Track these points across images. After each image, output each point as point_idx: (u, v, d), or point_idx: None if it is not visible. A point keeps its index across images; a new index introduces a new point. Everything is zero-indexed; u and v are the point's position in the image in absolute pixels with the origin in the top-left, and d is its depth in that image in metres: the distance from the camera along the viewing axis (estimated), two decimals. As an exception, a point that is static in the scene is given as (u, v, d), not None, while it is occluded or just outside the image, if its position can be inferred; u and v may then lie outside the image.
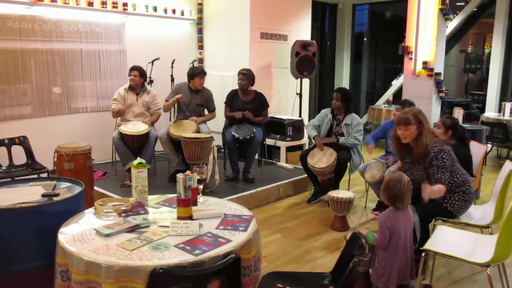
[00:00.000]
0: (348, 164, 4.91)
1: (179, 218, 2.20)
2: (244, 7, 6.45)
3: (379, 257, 2.58)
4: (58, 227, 2.11)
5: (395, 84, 9.56)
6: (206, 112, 5.48)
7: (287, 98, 7.13)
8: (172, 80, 6.23)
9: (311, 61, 6.56)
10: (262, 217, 4.53)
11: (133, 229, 2.11)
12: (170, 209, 2.41)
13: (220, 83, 6.64)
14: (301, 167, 5.11)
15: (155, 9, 6.42)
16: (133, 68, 5.25)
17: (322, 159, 4.77)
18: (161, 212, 2.37)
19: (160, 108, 5.40)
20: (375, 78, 10.97)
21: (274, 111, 6.76)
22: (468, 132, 5.10)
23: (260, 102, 5.39)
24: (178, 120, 5.29)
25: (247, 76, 5.27)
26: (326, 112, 5.04)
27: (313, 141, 5.07)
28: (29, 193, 2.57)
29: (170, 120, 5.83)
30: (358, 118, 4.94)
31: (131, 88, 5.27)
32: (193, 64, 6.37)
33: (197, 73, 5.27)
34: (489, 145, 7.11)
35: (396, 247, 2.54)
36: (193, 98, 5.33)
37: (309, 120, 6.93)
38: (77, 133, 5.72)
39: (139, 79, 5.26)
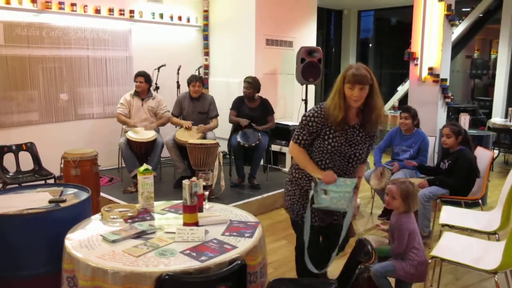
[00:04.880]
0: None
1: (185, 224, 2.21)
2: (250, 13, 6.48)
3: (412, 255, 2.63)
4: (65, 233, 2.12)
5: (401, 90, 9.54)
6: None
7: (292, 104, 7.13)
8: (178, 86, 6.25)
9: (316, 67, 6.56)
10: (268, 223, 4.53)
11: (139, 235, 2.11)
12: (176, 215, 2.41)
13: (226, 90, 6.66)
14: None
15: (161, 16, 6.46)
16: (138, 74, 5.28)
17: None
18: (167, 218, 2.38)
19: (168, 111, 5.43)
20: (381, 84, 10.93)
21: (279, 117, 6.76)
22: (475, 138, 5.09)
23: (265, 109, 5.40)
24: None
25: (252, 85, 5.28)
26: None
27: None
28: (36, 199, 2.59)
29: (176, 127, 5.85)
30: None
31: (136, 94, 5.31)
32: (198, 71, 6.41)
33: (190, 80, 5.31)
34: (496, 151, 7.07)
35: (422, 245, 2.67)
36: (194, 107, 5.34)
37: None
38: (83, 139, 5.75)
39: (145, 85, 5.30)
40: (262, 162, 5.50)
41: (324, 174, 2.49)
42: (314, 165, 2.55)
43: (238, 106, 5.40)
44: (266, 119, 5.40)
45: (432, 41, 5.82)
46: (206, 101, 5.42)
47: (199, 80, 5.31)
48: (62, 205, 2.53)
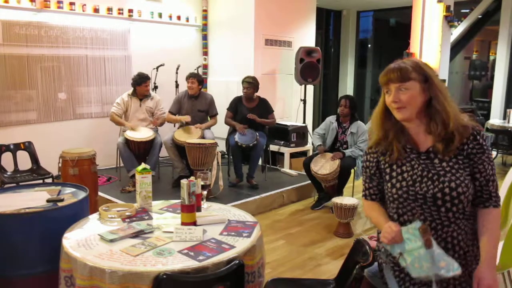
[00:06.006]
0: (353, 170, 4.89)
1: (183, 223, 2.20)
2: (249, 13, 6.48)
3: None
4: (63, 232, 2.11)
5: (400, 91, 9.53)
6: (208, 118, 5.52)
7: (291, 104, 7.14)
8: (177, 86, 6.25)
9: (315, 68, 6.57)
10: (266, 223, 4.53)
11: (137, 234, 2.11)
12: (174, 214, 2.41)
13: (225, 89, 6.66)
14: (305, 174, 5.10)
15: (160, 15, 6.46)
16: (148, 78, 5.26)
17: (325, 166, 4.77)
18: (165, 218, 2.37)
19: (164, 112, 5.43)
20: (380, 84, 10.96)
21: (278, 117, 6.75)
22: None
23: (264, 108, 5.41)
24: (183, 126, 5.30)
25: (252, 85, 5.29)
26: (331, 120, 5.04)
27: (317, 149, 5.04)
28: (34, 199, 2.58)
29: (174, 126, 5.85)
30: (364, 126, 4.91)
31: (134, 94, 5.30)
32: (197, 70, 6.41)
33: (187, 77, 5.35)
34: (494, 152, 7.08)
35: None
36: (194, 105, 5.35)
37: (313, 126, 6.94)
38: (82, 138, 5.74)
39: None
40: (260, 162, 5.50)
41: (382, 232, 1.65)
42: (385, 221, 1.70)
43: (236, 107, 5.40)
44: (267, 117, 5.39)
45: (431, 42, 5.83)
46: (206, 100, 5.43)
47: (195, 77, 5.32)
48: (60, 204, 2.52)
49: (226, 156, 5.84)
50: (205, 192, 2.52)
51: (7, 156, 4.61)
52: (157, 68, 6.07)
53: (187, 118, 5.19)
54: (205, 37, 7.11)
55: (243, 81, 5.35)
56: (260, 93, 5.47)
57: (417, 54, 5.91)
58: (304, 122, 6.73)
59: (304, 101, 6.80)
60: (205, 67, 7.16)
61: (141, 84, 5.21)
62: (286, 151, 6.25)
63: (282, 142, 6.29)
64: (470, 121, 1.65)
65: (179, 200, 2.28)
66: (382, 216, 1.74)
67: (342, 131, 4.96)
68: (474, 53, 10.59)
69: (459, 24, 8.60)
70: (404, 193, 1.65)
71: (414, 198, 1.64)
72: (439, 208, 1.60)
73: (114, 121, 5.26)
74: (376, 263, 1.95)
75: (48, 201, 2.56)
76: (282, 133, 6.26)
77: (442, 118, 1.59)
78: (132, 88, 5.33)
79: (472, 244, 1.65)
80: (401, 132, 1.68)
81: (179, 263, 1.81)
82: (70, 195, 2.71)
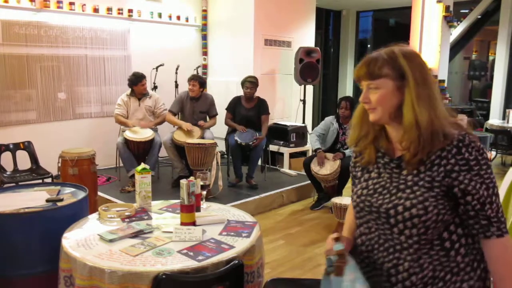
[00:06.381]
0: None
1: (182, 224, 2.20)
2: (249, 13, 6.48)
3: None
4: (62, 232, 2.11)
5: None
6: (207, 118, 5.52)
7: (290, 104, 7.14)
8: (176, 86, 6.25)
9: (315, 68, 6.57)
10: (266, 223, 4.53)
11: (136, 234, 2.11)
12: (174, 214, 2.41)
13: (224, 89, 6.66)
14: (305, 174, 5.10)
15: (160, 15, 6.46)
16: (144, 77, 5.26)
17: (326, 166, 4.77)
18: (164, 218, 2.38)
19: (165, 109, 5.43)
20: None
21: (277, 118, 6.76)
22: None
23: (263, 108, 5.41)
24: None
25: (254, 84, 5.29)
26: (331, 121, 5.02)
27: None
28: (33, 198, 2.58)
29: (174, 127, 5.85)
30: None
31: (133, 94, 5.30)
32: (197, 71, 6.42)
33: (188, 79, 5.34)
34: (493, 152, 7.08)
35: None
36: (195, 106, 5.35)
37: (312, 126, 6.93)
38: (81, 138, 5.74)
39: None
40: (260, 162, 5.50)
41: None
42: (347, 231, 1.61)
43: (234, 107, 5.40)
44: (260, 117, 5.40)
45: (430, 42, 5.84)
46: (207, 100, 5.43)
47: (197, 79, 5.31)
48: (59, 204, 2.52)
49: (225, 156, 5.83)
50: (204, 192, 2.53)
51: (6, 156, 4.61)
52: (156, 68, 6.07)
53: (188, 126, 5.16)
54: (204, 37, 7.11)
55: (245, 81, 5.34)
56: (260, 93, 5.47)
57: (417, 54, 5.92)
58: (303, 122, 6.73)
59: (304, 101, 6.80)
60: (205, 67, 7.16)
61: (137, 84, 5.22)
62: (286, 151, 6.25)
63: (282, 142, 6.29)
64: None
65: (179, 200, 2.28)
66: (347, 225, 1.59)
67: (343, 132, 4.96)
68: (474, 53, 10.60)
69: (458, 24, 8.61)
70: (361, 202, 1.46)
71: (369, 210, 1.42)
72: (392, 228, 1.35)
73: (118, 122, 5.30)
74: None
75: (47, 201, 2.56)
76: (282, 133, 6.27)
77: (404, 125, 1.31)
78: (129, 89, 5.33)
79: (432, 283, 1.32)
80: (380, 134, 1.45)
81: (179, 263, 1.82)
82: (70, 195, 2.71)
